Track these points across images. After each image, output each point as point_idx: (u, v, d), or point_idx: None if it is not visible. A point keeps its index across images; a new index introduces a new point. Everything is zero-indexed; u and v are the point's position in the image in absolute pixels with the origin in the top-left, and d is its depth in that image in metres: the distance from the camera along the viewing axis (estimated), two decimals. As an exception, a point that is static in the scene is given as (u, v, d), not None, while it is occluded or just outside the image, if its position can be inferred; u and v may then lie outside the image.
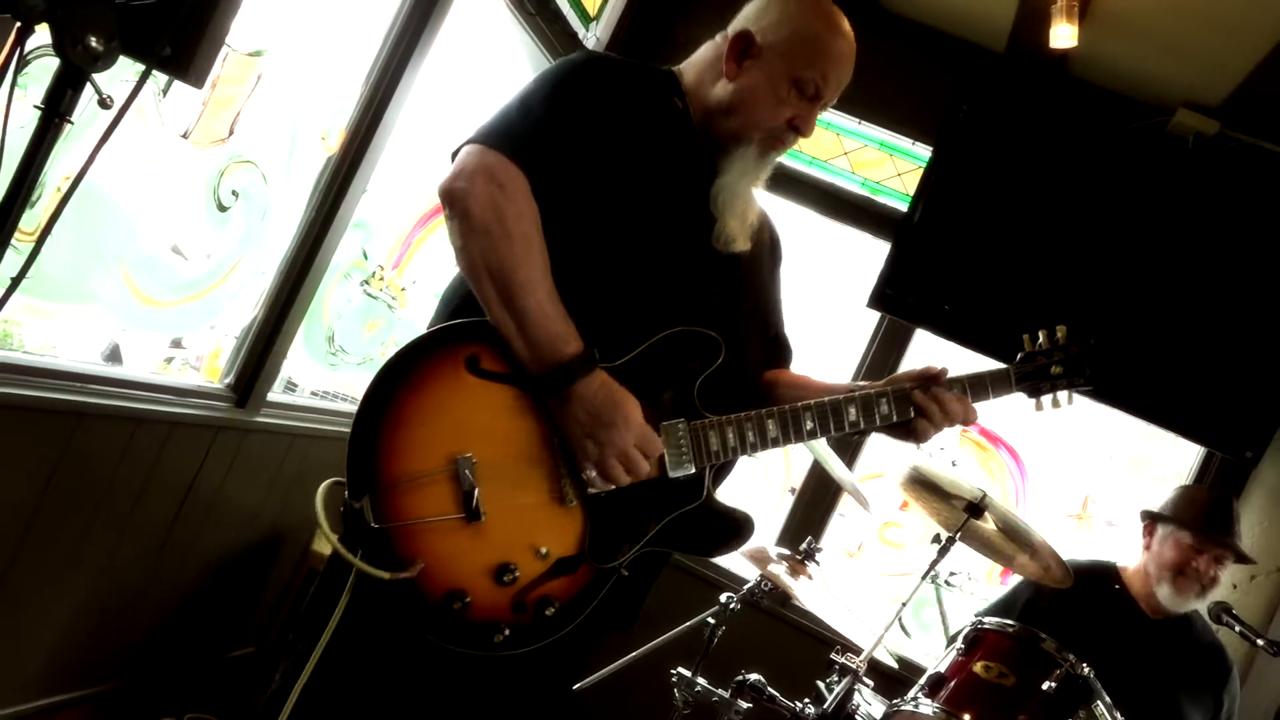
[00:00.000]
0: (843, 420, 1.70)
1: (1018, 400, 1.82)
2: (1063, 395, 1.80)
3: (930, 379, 1.73)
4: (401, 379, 1.51)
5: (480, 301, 1.53)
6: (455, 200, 1.53)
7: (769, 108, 1.70)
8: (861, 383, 1.79)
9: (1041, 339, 1.81)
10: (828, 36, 1.72)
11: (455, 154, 1.59)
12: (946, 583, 3.16)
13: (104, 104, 1.12)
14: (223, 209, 2.68)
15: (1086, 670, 2.34)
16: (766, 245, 1.88)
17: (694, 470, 1.62)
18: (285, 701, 1.55)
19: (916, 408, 1.71)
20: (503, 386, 1.54)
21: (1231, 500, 2.96)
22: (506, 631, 1.53)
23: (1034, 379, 1.79)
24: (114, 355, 2.63)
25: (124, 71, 2.17)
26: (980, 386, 1.76)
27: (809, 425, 1.67)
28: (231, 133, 2.62)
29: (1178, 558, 2.86)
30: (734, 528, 1.67)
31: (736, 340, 1.69)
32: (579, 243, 1.60)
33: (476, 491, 1.49)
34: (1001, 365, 1.80)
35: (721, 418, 1.63)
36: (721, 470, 1.68)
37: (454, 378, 1.52)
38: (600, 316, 1.59)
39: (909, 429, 1.74)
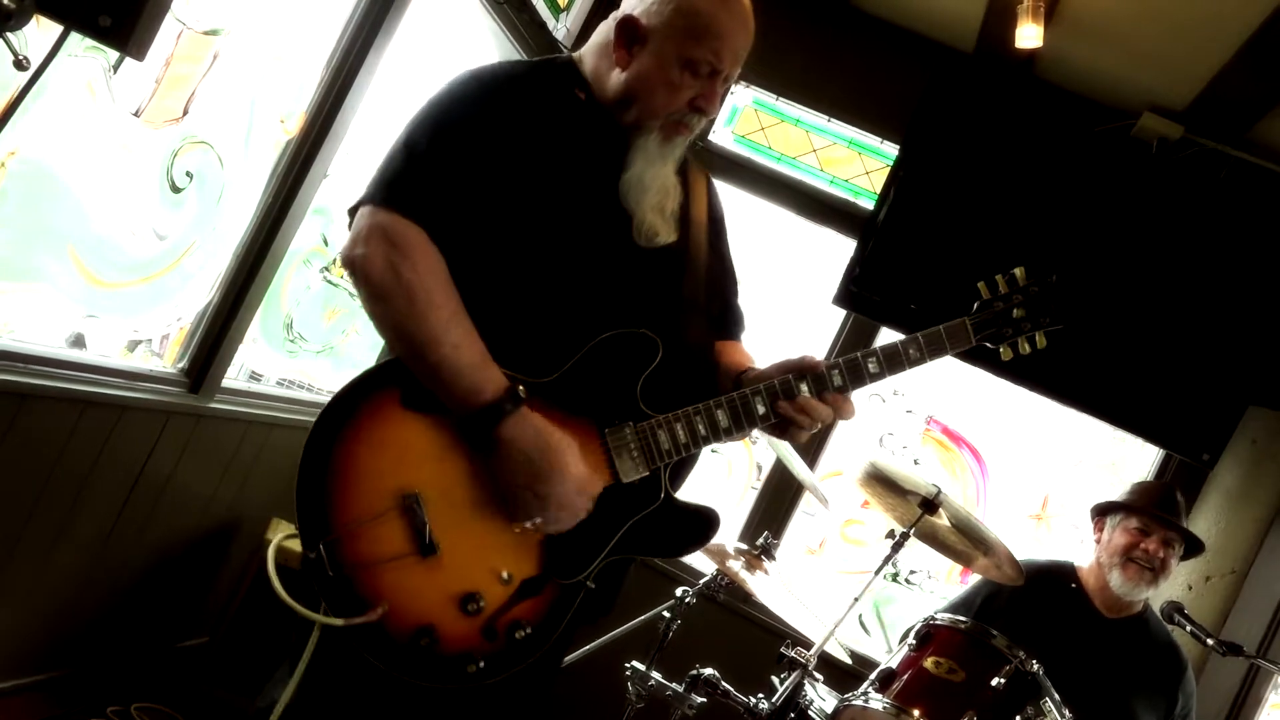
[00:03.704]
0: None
1: (983, 351, 1.74)
2: (1031, 339, 1.74)
3: (809, 369, 1.66)
4: (340, 424, 1.50)
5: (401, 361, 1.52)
6: (355, 269, 1.52)
7: (664, 94, 1.64)
8: (768, 366, 1.71)
9: (1000, 284, 1.76)
10: (712, 9, 1.63)
11: (352, 212, 1.57)
12: (907, 580, 3.17)
13: (19, 65, 1.08)
14: (176, 190, 2.63)
15: (1036, 667, 2.35)
16: (704, 218, 1.82)
17: (646, 472, 1.58)
18: None
19: (780, 413, 1.64)
20: (440, 418, 1.52)
21: (1175, 488, 3.01)
22: (481, 662, 1.51)
23: (995, 325, 1.74)
24: (78, 342, 2.58)
25: (76, 45, 2.13)
26: (937, 343, 1.70)
27: (760, 410, 1.63)
28: (186, 112, 2.57)
29: (1127, 541, 2.90)
30: (699, 524, 1.64)
31: (679, 329, 1.66)
32: (498, 266, 1.57)
33: (428, 525, 1.48)
34: (958, 318, 1.73)
35: (669, 415, 1.59)
36: (681, 468, 1.65)
37: (391, 415, 1.51)
38: (530, 335, 1.57)
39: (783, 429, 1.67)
